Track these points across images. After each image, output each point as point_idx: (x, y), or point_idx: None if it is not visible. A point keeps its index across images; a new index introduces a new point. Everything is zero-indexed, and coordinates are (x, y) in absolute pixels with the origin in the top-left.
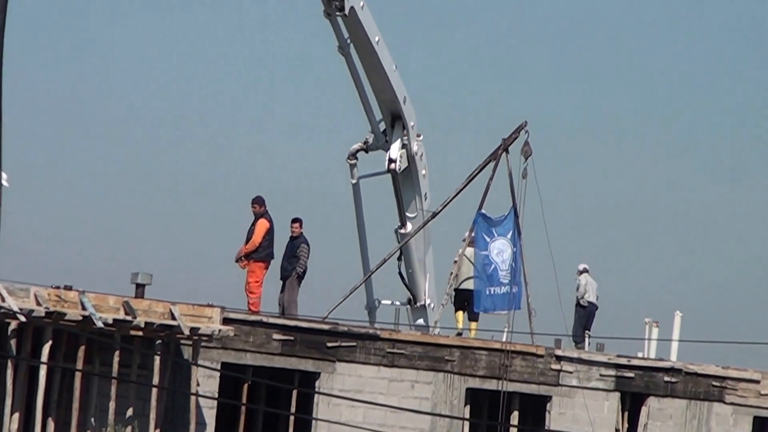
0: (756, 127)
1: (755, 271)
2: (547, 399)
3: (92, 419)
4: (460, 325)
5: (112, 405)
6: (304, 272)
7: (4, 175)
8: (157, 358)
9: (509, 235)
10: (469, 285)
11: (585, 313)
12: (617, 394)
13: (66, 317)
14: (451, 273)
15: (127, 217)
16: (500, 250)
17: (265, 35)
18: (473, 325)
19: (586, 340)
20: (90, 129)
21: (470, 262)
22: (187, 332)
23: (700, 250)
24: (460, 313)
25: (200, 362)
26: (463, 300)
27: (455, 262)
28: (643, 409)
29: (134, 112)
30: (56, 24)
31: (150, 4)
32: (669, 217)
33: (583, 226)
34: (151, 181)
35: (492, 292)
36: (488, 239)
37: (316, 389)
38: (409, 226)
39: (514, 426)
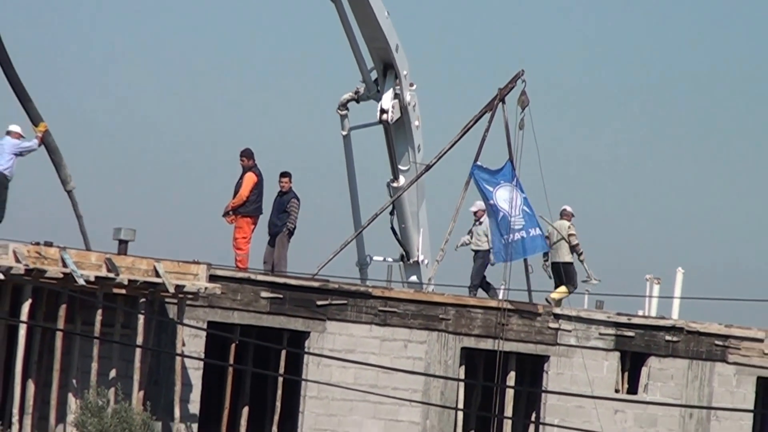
0: (746, 78)
1: (761, 227)
2: (544, 359)
3: (74, 381)
4: (553, 298)
5: (94, 366)
6: (294, 228)
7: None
8: (141, 317)
9: (514, 182)
10: (559, 256)
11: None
12: (617, 354)
13: (46, 275)
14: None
15: (110, 171)
16: (506, 197)
17: None
18: (559, 295)
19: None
20: (70, 80)
21: (558, 233)
22: (172, 290)
23: (703, 203)
24: (560, 290)
25: (186, 321)
26: (557, 273)
27: (546, 237)
28: (644, 369)
29: (117, 67)
30: None
31: None
32: (670, 170)
33: (582, 178)
34: (135, 134)
35: (506, 241)
36: (491, 188)
37: (306, 349)
38: (402, 180)
39: (510, 387)
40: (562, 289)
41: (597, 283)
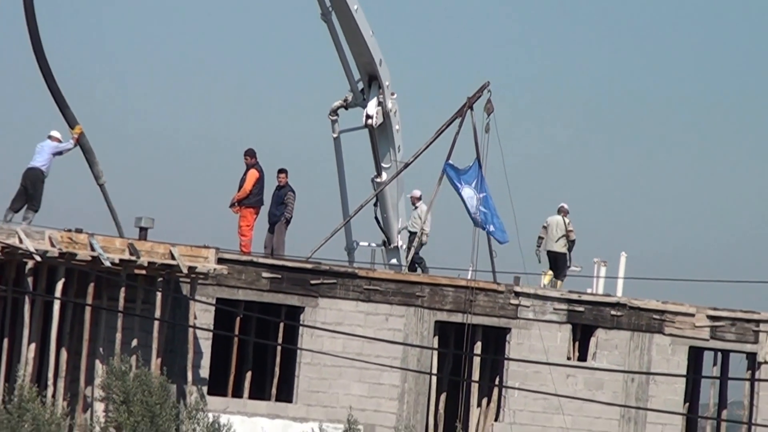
0: (680, 71)
1: (692, 215)
2: (506, 331)
3: (101, 349)
4: (545, 282)
5: (118, 336)
6: (291, 218)
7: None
8: (159, 294)
9: (474, 184)
10: (557, 247)
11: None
12: (569, 326)
13: (77, 257)
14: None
15: (132, 167)
16: (469, 195)
17: (256, 4)
18: (558, 284)
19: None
20: (97, 75)
21: (557, 227)
22: (185, 271)
23: (643, 196)
24: (550, 273)
25: (197, 298)
26: (553, 260)
27: (544, 227)
28: (592, 340)
29: (139, 75)
30: None
31: None
32: (616, 169)
33: (541, 175)
34: (155, 139)
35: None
36: (460, 185)
37: (301, 322)
38: (384, 175)
39: (477, 355)
40: (550, 274)
41: (579, 270)
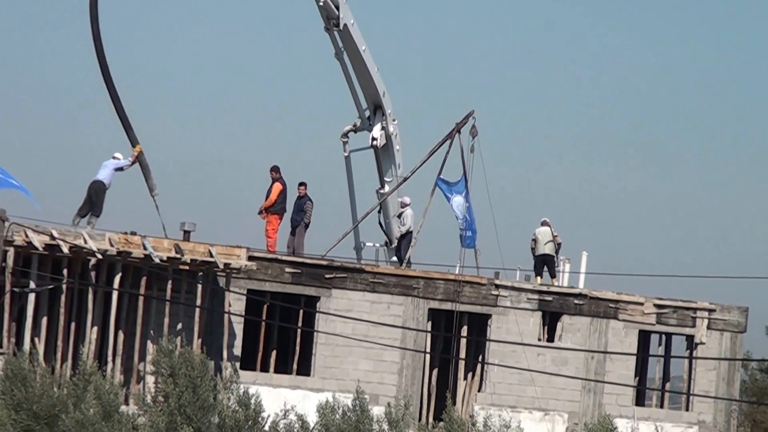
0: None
1: (642, 221)
2: (488, 317)
3: (151, 331)
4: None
5: (166, 321)
6: (309, 223)
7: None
8: (200, 286)
9: (463, 194)
10: (547, 250)
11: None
12: (540, 313)
13: (132, 255)
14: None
15: (178, 181)
16: (459, 204)
17: (285, 46)
18: (553, 281)
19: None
20: (149, 95)
21: (544, 235)
22: (221, 266)
23: (601, 202)
24: (539, 277)
25: (231, 289)
26: (543, 263)
27: (533, 239)
28: (559, 324)
29: (191, 109)
30: None
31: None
32: (581, 182)
33: (518, 187)
34: (201, 159)
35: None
36: (450, 196)
37: (317, 309)
38: (387, 188)
39: (463, 337)
40: (540, 279)
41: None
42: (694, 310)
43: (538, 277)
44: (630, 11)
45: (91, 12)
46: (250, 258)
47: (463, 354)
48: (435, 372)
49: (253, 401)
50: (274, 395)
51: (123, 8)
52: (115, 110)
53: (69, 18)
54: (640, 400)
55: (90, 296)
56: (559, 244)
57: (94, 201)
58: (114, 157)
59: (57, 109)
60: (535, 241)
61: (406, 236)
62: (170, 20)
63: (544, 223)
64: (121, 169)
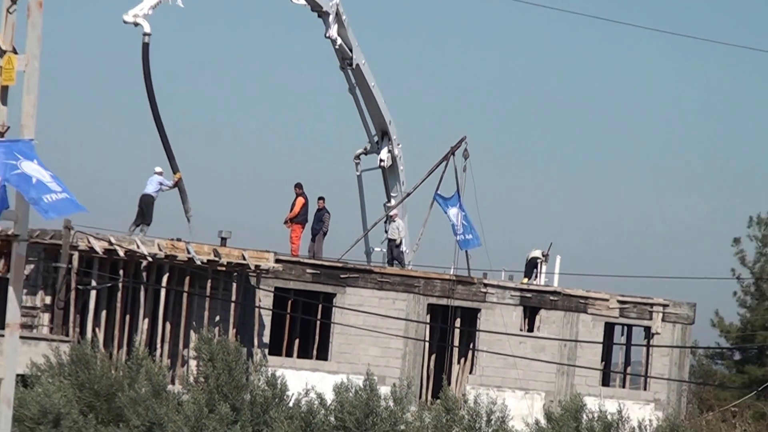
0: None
1: (607, 229)
2: (477, 311)
3: (193, 322)
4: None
5: (205, 314)
6: (327, 231)
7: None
8: (234, 284)
9: (458, 206)
10: (534, 254)
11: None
12: (521, 307)
13: (177, 258)
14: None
15: (215, 195)
16: (454, 214)
17: (308, 84)
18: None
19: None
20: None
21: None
22: (253, 268)
23: (573, 208)
24: (527, 278)
25: (261, 287)
26: (533, 267)
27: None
28: (537, 317)
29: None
30: None
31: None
32: (556, 194)
33: (503, 201)
34: (238, 174)
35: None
36: (446, 208)
37: (334, 304)
38: (392, 201)
39: (457, 328)
40: (526, 280)
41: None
42: (651, 305)
43: (526, 278)
44: (627, 44)
45: (143, 56)
46: (277, 261)
47: (456, 342)
48: (433, 357)
49: (279, 382)
50: (297, 377)
51: (167, 49)
52: (162, 143)
53: (126, 65)
54: (605, 381)
55: (142, 293)
56: (546, 256)
57: (144, 212)
58: (156, 172)
59: (109, 136)
60: (528, 259)
61: (393, 242)
62: (215, 59)
63: (535, 249)
64: (162, 185)
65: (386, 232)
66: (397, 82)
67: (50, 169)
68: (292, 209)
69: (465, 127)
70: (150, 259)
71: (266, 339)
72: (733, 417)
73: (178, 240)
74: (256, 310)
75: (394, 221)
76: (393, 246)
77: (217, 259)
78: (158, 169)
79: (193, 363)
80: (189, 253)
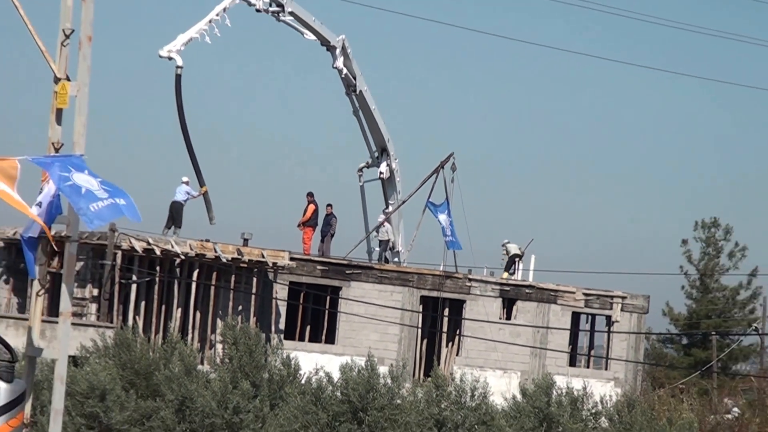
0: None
1: (575, 233)
2: (463, 302)
3: (220, 311)
4: (505, 277)
5: (230, 304)
6: (334, 234)
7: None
8: (255, 279)
9: (446, 213)
10: (515, 251)
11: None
12: (501, 299)
13: (206, 257)
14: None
15: (239, 202)
16: (444, 220)
17: (317, 109)
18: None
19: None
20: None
21: (513, 249)
22: (270, 265)
23: (545, 220)
24: (507, 273)
25: (278, 281)
26: (513, 262)
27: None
28: (514, 308)
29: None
30: None
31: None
32: (530, 200)
33: (486, 208)
34: (256, 181)
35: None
36: (437, 214)
37: (340, 296)
38: (390, 208)
39: (445, 316)
40: (506, 274)
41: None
42: (612, 297)
43: (506, 273)
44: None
45: (176, 86)
46: (291, 258)
47: (445, 328)
48: (425, 342)
49: (293, 363)
50: (309, 358)
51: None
52: (191, 161)
53: (160, 92)
54: (572, 362)
55: (176, 286)
56: (523, 252)
57: (175, 217)
58: (183, 182)
59: (148, 153)
60: (506, 251)
61: (384, 243)
62: (241, 86)
63: (511, 241)
64: (189, 196)
65: (377, 233)
66: (394, 105)
67: (100, 176)
68: (304, 214)
69: (453, 144)
70: (183, 257)
71: (282, 326)
72: (681, 393)
73: (207, 241)
74: (274, 301)
75: (384, 226)
76: (385, 246)
77: (240, 257)
78: (185, 179)
79: (219, 346)
80: (216, 252)
